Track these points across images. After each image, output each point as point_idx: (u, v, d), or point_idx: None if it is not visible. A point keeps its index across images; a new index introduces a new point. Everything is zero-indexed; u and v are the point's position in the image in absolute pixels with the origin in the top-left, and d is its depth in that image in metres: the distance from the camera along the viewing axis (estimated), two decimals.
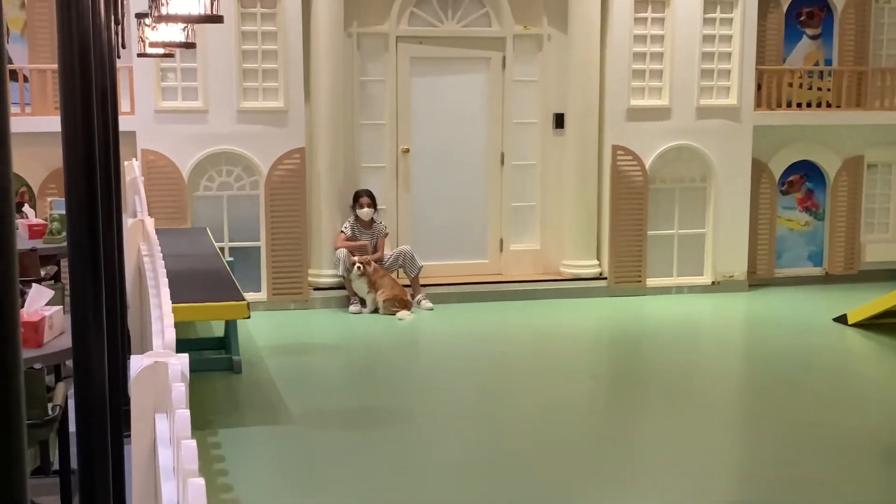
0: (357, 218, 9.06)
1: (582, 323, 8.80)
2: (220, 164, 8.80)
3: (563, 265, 9.67)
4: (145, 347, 4.60)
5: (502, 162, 9.65)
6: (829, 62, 10.35)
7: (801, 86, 10.07)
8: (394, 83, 9.35)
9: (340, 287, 9.09)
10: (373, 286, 8.84)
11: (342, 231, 9.08)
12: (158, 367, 2.84)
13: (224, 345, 7.30)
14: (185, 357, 2.95)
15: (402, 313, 8.76)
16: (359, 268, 8.75)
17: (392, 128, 9.40)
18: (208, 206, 8.82)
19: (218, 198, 8.82)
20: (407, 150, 9.39)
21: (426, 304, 9.06)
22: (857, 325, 8.47)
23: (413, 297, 9.07)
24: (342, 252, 8.95)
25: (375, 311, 8.86)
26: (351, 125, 9.24)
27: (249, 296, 7.95)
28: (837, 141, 10.30)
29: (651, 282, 9.68)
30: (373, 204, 9.07)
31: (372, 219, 9.10)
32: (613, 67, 9.39)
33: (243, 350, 7.28)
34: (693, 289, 9.78)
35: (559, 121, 9.58)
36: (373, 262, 8.90)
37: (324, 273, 9.06)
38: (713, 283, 9.80)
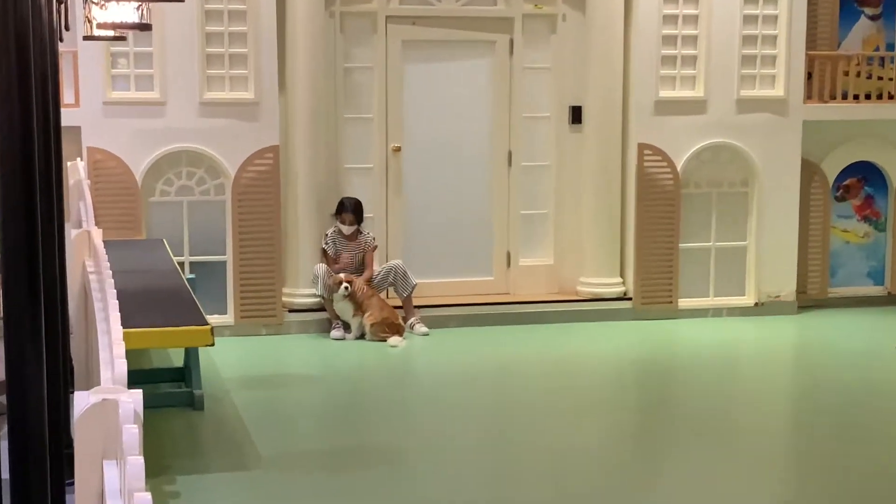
0: (340, 229, 9.21)
1: (603, 351, 8.78)
2: (179, 165, 8.78)
3: (581, 283, 9.66)
4: (92, 381, 4.60)
5: (510, 162, 9.65)
6: (891, 47, 10.36)
7: (858, 74, 9.99)
8: (383, 70, 9.35)
9: (320, 309, 9.08)
10: (359, 308, 8.85)
11: (324, 248, 9.10)
12: (107, 405, 2.80)
13: (184, 377, 7.26)
14: (138, 393, 2.91)
15: (394, 339, 8.75)
16: (345, 287, 8.75)
17: (381, 122, 9.39)
18: (166, 213, 8.80)
19: (177, 204, 8.81)
20: (398, 149, 9.40)
21: (420, 328, 9.02)
22: None
23: (405, 320, 9.03)
24: (321, 268, 8.92)
25: (362, 336, 8.85)
26: (333, 119, 9.23)
27: (213, 319, 7.97)
28: None
29: (684, 303, 9.68)
30: (357, 220, 9.07)
31: (357, 229, 9.11)
32: (639, 52, 9.39)
33: (206, 383, 7.21)
34: (733, 311, 9.77)
35: (576, 114, 9.57)
36: (358, 281, 8.86)
37: (300, 292, 9.05)
38: (756, 304, 9.80)
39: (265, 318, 8.91)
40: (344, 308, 8.84)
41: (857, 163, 10.24)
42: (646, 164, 9.49)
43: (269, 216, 8.86)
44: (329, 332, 8.91)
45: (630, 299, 9.60)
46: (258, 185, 8.81)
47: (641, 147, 9.47)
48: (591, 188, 9.57)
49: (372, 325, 8.80)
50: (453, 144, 9.59)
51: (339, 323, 8.93)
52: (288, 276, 9.07)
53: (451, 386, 7.79)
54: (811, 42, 9.93)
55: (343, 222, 9.04)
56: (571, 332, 9.21)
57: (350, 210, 9.06)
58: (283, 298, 9.03)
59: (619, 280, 9.65)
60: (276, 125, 8.82)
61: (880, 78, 10.20)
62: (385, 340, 8.71)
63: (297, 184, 8.98)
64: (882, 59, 10.22)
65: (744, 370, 8.65)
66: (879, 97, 10.10)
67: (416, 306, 9.18)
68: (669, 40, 9.44)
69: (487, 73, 9.59)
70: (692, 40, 9.46)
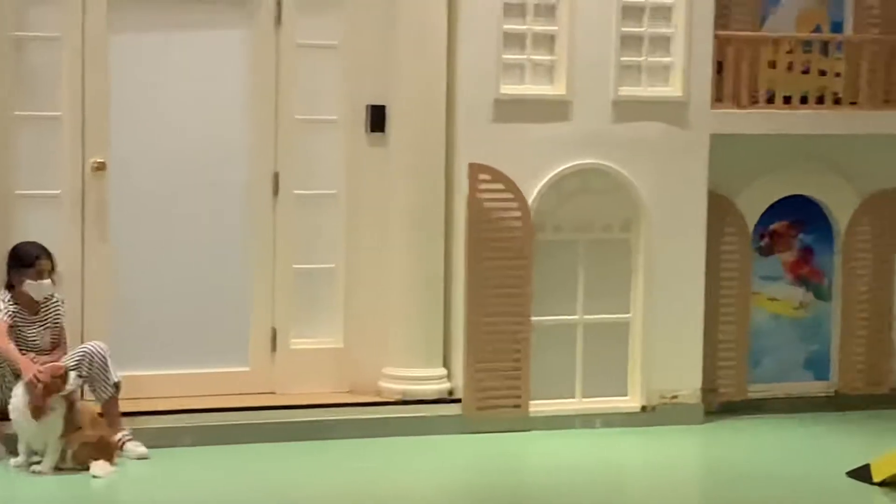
0: (16, 293, 8.72)
1: (416, 483, 8.65)
2: None
3: (386, 377, 9.59)
4: None
5: (276, 190, 9.60)
6: (838, 27, 10.40)
7: (790, 67, 10.08)
8: (79, 44, 9.16)
9: None
10: (71, 423, 8.38)
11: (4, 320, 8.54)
12: None
13: None
14: None
15: (100, 466, 8.37)
16: (78, 377, 8.42)
17: (74, 125, 9.21)
18: None
19: None
20: (101, 166, 9.23)
21: (136, 448, 8.72)
22: (888, 483, 8.42)
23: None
24: None
25: (34, 462, 8.34)
26: None
27: None
28: (856, 163, 10.32)
29: (538, 407, 9.64)
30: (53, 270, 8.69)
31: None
32: (472, 27, 9.40)
33: None
34: (610, 420, 9.81)
35: (377, 118, 9.65)
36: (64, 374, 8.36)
37: None
38: (644, 408, 9.87)
39: None
40: (53, 424, 8.39)
41: (788, 198, 10.30)
42: (481, 195, 9.44)
43: None
44: None
45: (458, 401, 9.53)
46: None
47: (474, 169, 9.45)
48: (401, 232, 9.53)
49: (81, 447, 8.37)
50: (187, 162, 9.43)
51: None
52: None
53: None
54: (723, 18, 9.92)
55: (40, 276, 8.76)
56: (370, 454, 9.08)
57: (46, 255, 8.78)
58: None
59: (442, 372, 9.58)
60: None
61: (823, 73, 10.23)
62: (87, 468, 8.32)
63: None
64: (825, 45, 10.22)
65: None
66: (821, 101, 10.15)
67: (123, 414, 8.77)
68: (515, 9, 9.49)
69: (241, 50, 9.50)
70: (550, 10, 9.54)
